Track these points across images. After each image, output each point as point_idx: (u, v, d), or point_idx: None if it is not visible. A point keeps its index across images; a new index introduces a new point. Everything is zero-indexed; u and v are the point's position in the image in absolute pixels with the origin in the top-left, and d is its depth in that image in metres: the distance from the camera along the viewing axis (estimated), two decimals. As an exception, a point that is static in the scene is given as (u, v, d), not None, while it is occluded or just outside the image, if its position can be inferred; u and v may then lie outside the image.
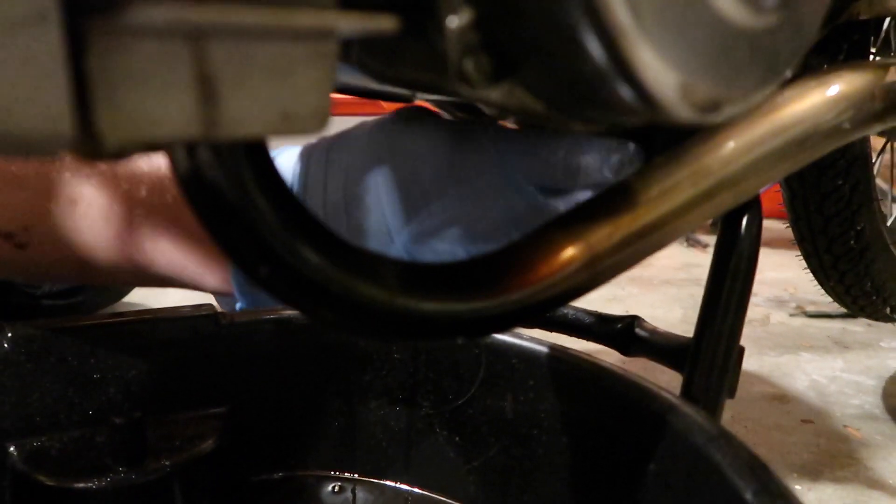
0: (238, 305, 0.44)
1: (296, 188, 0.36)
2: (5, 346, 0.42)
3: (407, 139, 0.33)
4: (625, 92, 0.20)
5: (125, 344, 0.45)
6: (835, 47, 0.47)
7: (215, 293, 0.45)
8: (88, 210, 0.42)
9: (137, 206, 0.42)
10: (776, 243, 1.33)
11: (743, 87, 0.22)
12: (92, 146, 0.17)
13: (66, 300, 0.96)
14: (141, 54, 0.16)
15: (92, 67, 0.16)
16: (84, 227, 0.42)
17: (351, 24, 0.17)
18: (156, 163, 0.43)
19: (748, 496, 0.26)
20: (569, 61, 0.20)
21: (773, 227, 1.22)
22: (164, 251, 0.43)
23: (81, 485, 0.40)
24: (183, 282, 0.44)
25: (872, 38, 0.53)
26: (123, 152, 0.18)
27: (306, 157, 0.37)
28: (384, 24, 0.17)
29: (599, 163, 0.33)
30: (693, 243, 1.55)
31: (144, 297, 0.90)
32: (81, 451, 0.42)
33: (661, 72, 0.19)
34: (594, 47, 0.19)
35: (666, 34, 0.19)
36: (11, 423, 0.41)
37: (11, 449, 0.41)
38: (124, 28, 0.15)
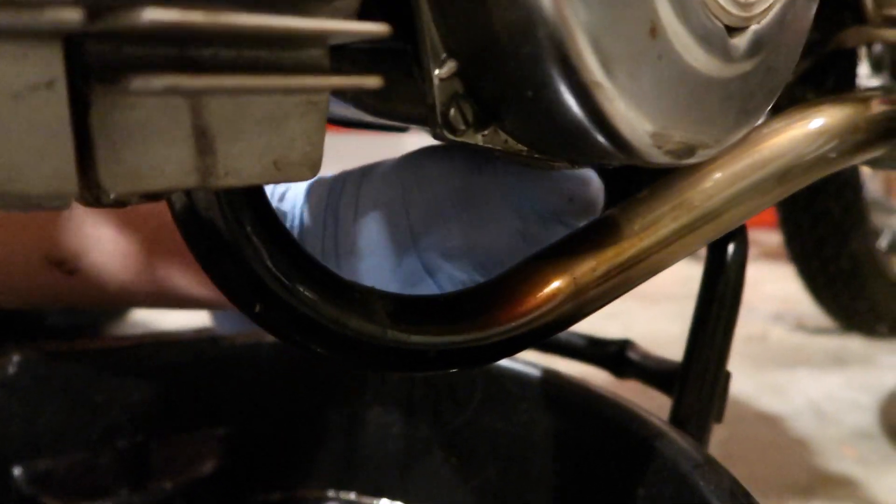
0: None
1: (324, 218, 0.38)
2: (10, 370, 0.43)
3: (424, 168, 0.35)
4: (600, 140, 0.21)
5: (128, 367, 0.46)
6: (822, 77, 0.48)
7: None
8: (134, 236, 0.43)
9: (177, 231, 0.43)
10: (776, 256, 1.33)
11: (716, 132, 0.23)
12: (93, 197, 0.18)
13: (67, 318, 0.97)
14: (140, 111, 0.18)
15: (94, 125, 0.17)
16: (133, 252, 0.43)
17: (340, 84, 0.18)
18: None
19: (729, 522, 0.27)
20: (547, 112, 0.21)
21: (773, 239, 1.22)
22: (200, 276, 0.44)
23: (85, 507, 0.41)
24: (217, 304, 0.45)
25: (862, 64, 0.55)
26: (123, 202, 0.19)
27: (340, 182, 0.38)
28: (370, 82, 0.18)
29: (602, 193, 0.35)
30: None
31: (144, 318, 0.91)
32: (86, 474, 0.43)
33: (634, 122, 0.20)
34: (570, 101, 0.20)
35: (638, 87, 0.20)
36: (17, 446, 0.42)
37: (17, 471, 0.42)
38: (126, 92, 0.16)
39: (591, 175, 0.34)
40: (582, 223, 0.34)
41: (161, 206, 0.43)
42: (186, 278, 0.44)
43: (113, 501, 0.42)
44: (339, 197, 0.38)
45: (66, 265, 0.41)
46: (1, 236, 0.41)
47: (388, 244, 0.35)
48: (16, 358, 0.43)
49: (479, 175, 0.34)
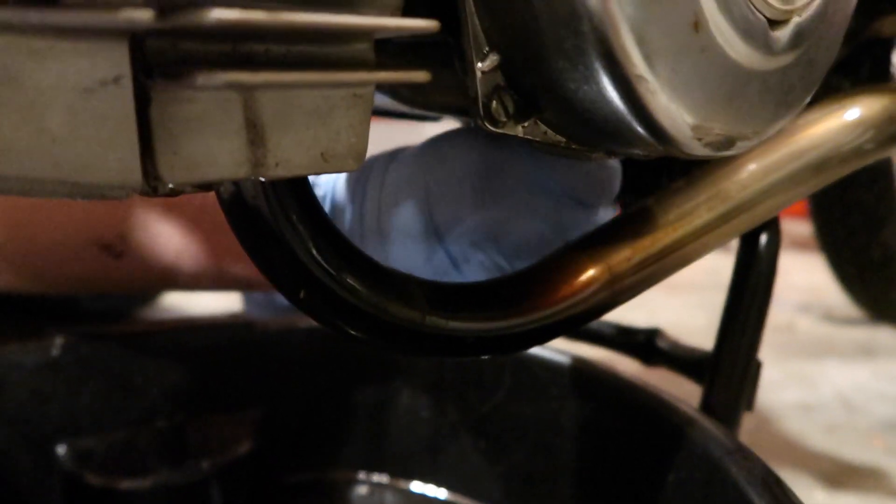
0: None
1: (352, 198, 0.38)
2: (54, 352, 0.44)
3: (446, 154, 0.35)
4: (641, 132, 0.21)
5: (166, 350, 0.47)
6: (857, 65, 0.48)
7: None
8: (180, 217, 0.44)
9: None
10: (806, 245, 1.32)
11: (755, 125, 0.23)
12: (151, 188, 0.19)
13: (99, 303, 0.99)
14: (196, 105, 0.18)
15: (154, 119, 0.18)
16: (176, 233, 0.44)
17: (388, 78, 0.18)
18: None
19: (761, 509, 0.28)
20: (588, 105, 0.21)
21: (802, 229, 1.20)
22: (242, 256, 0.45)
23: (126, 485, 0.42)
24: (258, 283, 0.46)
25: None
26: (178, 192, 0.20)
27: (367, 169, 0.39)
28: (417, 77, 0.18)
29: (618, 176, 0.35)
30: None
31: (175, 303, 0.93)
32: (126, 452, 0.44)
33: (675, 115, 0.21)
34: (612, 94, 0.20)
35: (680, 80, 0.20)
36: (61, 425, 0.44)
37: (60, 450, 0.43)
38: (191, 86, 0.17)
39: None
40: (599, 206, 0.34)
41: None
42: (229, 257, 0.45)
43: (153, 479, 0.43)
44: (366, 180, 0.38)
45: (113, 248, 0.42)
46: (52, 222, 0.43)
47: (407, 235, 0.36)
48: (59, 340, 0.44)
49: (498, 161, 0.34)
